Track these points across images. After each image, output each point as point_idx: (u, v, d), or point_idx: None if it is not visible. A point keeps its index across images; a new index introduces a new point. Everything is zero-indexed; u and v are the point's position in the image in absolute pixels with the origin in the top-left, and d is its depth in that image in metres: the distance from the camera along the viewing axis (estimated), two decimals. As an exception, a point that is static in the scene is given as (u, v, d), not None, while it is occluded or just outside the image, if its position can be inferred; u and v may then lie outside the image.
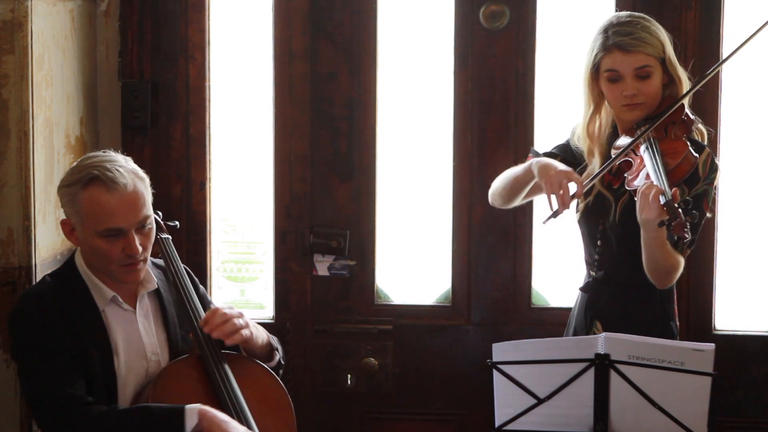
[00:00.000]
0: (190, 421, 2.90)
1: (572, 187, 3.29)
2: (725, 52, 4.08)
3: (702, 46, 4.08)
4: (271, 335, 3.33)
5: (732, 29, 4.10)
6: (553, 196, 3.30)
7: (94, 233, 3.05)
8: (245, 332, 3.17)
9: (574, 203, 3.43)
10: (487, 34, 4.17)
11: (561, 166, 3.37)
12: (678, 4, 4.08)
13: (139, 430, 2.92)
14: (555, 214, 3.32)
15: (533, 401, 3.14)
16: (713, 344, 3.11)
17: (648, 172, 3.27)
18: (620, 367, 3.08)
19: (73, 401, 2.96)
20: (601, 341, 3.09)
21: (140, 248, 3.06)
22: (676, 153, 3.32)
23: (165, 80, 4.24)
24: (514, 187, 3.55)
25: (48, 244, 3.75)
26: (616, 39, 3.38)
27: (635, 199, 3.26)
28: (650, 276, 3.36)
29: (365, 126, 4.23)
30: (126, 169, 3.08)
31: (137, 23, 4.21)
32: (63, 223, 3.14)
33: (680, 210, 3.09)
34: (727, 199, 4.17)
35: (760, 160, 4.27)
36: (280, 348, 3.34)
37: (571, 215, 3.57)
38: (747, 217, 4.28)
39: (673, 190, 3.16)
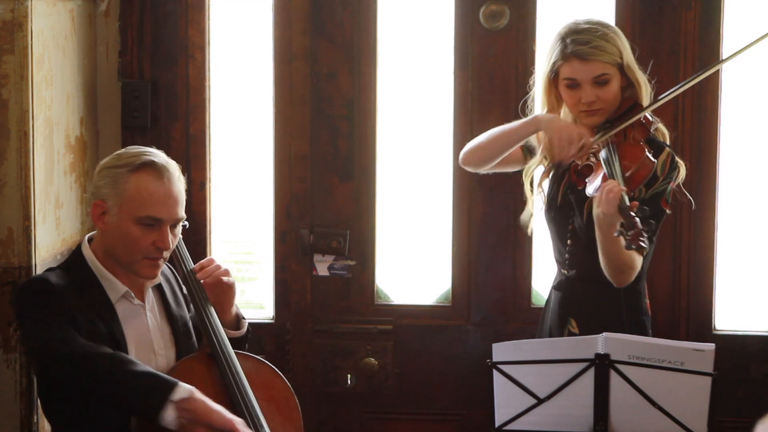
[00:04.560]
0: (179, 394, 2.86)
1: (581, 140, 3.36)
2: (725, 52, 4.08)
3: (702, 46, 4.08)
4: (238, 307, 3.36)
5: (732, 29, 4.10)
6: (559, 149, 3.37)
7: (131, 218, 3.05)
8: (230, 279, 3.24)
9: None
10: (487, 34, 4.17)
11: (567, 120, 3.44)
12: (678, 4, 4.08)
13: (130, 376, 2.87)
14: (560, 165, 3.42)
15: (533, 401, 3.15)
16: (713, 344, 3.12)
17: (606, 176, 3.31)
18: (620, 367, 3.08)
19: (74, 333, 2.94)
20: (601, 341, 3.10)
21: (171, 245, 3.09)
22: (634, 158, 3.35)
23: (165, 80, 4.24)
24: (507, 141, 3.55)
25: (48, 244, 3.75)
26: (574, 48, 3.42)
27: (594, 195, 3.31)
28: (607, 272, 3.39)
29: (365, 126, 4.23)
30: (174, 167, 3.13)
31: (137, 23, 4.21)
32: (95, 205, 3.10)
33: (636, 219, 3.11)
34: (727, 199, 4.17)
35: (760, 160, 4.27)
36: (246, 320, 3.36)
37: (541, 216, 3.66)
38: (747, 217, 4.28)
39: (633, 202, 3.17)
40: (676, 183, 3.48)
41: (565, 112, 3.55)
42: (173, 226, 3.11)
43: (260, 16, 4.26)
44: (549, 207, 3.59)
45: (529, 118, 3.52)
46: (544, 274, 4.26)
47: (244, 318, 3.34)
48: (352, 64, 4.21)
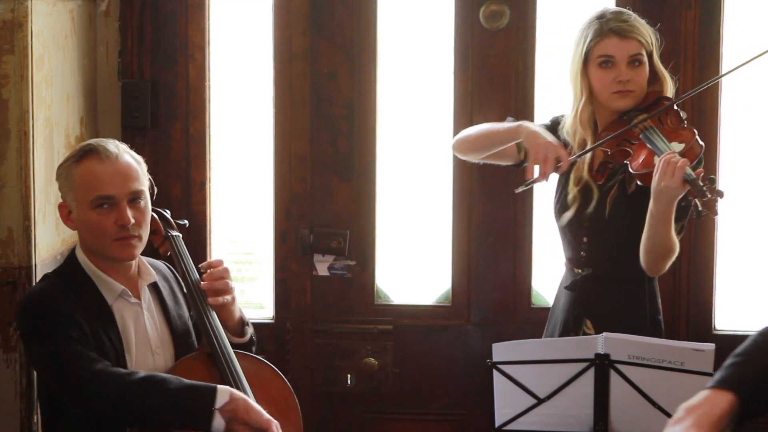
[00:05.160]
0: (221, 400, 2.90)
1: (557, 161, 3.35)
2: (725, 52, 4.09)
3: (702, 46, 4.08)
4: (243, 312, 3.34)
5: (732, 29, 4.10)
6: (536, 166, 3.36)
7: (87, 205, 3.06)
8: (227, 297, 3.20)
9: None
10: (487, 34, 4.17)
11: (550, 137, 3.42)
12: (678, 4, 4.08)
13: (169, 398, 2.90)
14: (530, 183, 3.40)
15: (533, 401, 3.15)
16: (713, 344, 3.11)
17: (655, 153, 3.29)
18: (620, 367, 3.08)
19: (95, 360, 2.94)
20: (601, 341, 3.09)
21: (132, 219, 3.06)
22: (684, 138, 3.34)
23: (165, 80, 4.24)
24: (490, 142, 3.58)
25: (48, 244, 3.75)
26: (613, 25, 3.43)
27: (633, 178, 3.29)
28: (646, 259, 3.36)
29: (365, 126, 4.23)
30: (118, 146, 3.12)
31: (137, 23, 4.21)
32: (60, 206, 3.14)
33: (704, 187, 3.12)
34: (727, 199, 4.16)
35: (760, 160, 4.27)
36: (251, 326, 3.34)
37: (551, 216, 3.62)
38: (747, 217, 4.28)
39: (698, 170, 3.18)
40: None
41: (584, 107, 3.53)
42: (133, 201, 3.08)
43: (260, 16, 4.26)
44: (562, 206, 3.56)
45: (515, 124, 3.51)
46: (544, 274, 4.27)
47: (248, 324, 3.32)
48: (352, 64, 4.21)
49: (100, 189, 3.05)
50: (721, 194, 3.17)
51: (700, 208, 3.16)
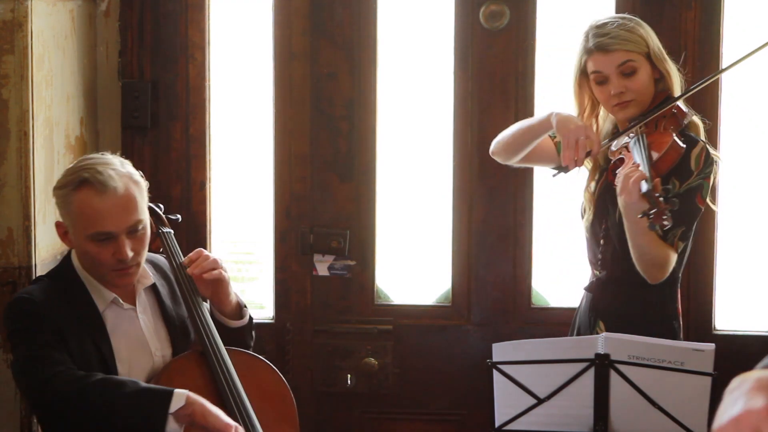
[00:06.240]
0: (176, 404, 2.88)
1: (588, 145, 3.31)
2: (725, 52, 4.08)
3: (702, 46, 4.08)
4: (239, 295, 3.34)
5: (732, 29, 4.10)
6: (568, 151, 3.31)
7: (84, 237, 3.02)
8: (215, 272, 3.18)
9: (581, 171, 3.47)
10: (487, 34, 4.17)
11: (581, 122, 3.38)
12: (678, 4, 4.08)
13: (124, 400, 2.88)
14: (565, 170, 3.35)
15: (533, 401, 3.14)
16: (713, 344, 3.11)
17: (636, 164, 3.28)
18: (620, 367, 3.08)
19: (59, 363, 2.93)
20: (602, 341, 3.09)
21: (131, 253, 3.01)
22: (661, 143, 3.32)
23: (165, 80, 4.24)
24: (525, 138, 3.51)
25: (48, 244, 3.75)
26: (595, 41, 3.41)
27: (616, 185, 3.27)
28: (639, 268, 3.34)
29: (365, 126, 4.23)
30: (119, 172, 3.04)
31: (137, 23, 4.21)
32: (57, 225, 3.12)
33: (660, 199, 3.07)
34: (727, 198, 4.17)
35: (761, 158, 4.27)
36: (248, 308, 3.34)
37: (577, 216, 3.60)
38: (747, 216, 4.28)
39: (655, 180, 3.14)
40: (713, 180, 3.43)
41: (605, 112, 3.51)
42: (131, 232, 3.03)
43: (260, 16, 4.26)
44: (583, 208, 3.55)
45: (546, 113, 3.44)
46: (544, 274, 4.26)
47: (245, 307, 3.31)
48: (352, 64, 4.21)
49: (98, 225, 3.00)
50: (674, 204, 3.09)
51: (650, 219, 3.08)
